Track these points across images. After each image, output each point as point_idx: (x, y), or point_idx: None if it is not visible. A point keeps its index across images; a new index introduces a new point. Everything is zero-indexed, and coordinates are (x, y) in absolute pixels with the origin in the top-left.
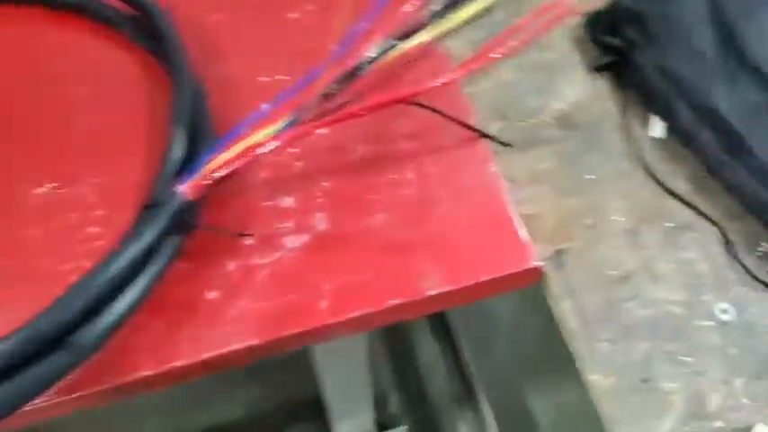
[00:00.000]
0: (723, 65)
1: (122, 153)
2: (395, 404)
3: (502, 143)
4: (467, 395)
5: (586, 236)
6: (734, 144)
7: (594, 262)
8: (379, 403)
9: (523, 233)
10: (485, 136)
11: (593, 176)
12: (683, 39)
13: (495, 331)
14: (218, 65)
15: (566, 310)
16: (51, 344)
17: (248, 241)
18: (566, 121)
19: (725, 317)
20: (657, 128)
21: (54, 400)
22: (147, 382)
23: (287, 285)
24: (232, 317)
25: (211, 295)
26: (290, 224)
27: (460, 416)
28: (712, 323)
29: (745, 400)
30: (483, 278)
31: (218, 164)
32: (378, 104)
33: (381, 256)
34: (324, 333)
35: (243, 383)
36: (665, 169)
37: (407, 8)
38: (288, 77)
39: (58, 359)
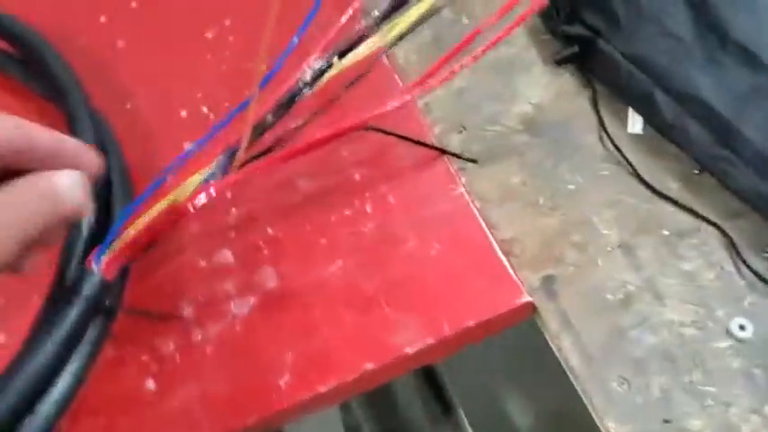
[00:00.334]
0: (702, 47)
1: None
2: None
3: (467, 159)
4: (443, 408)
5: (576, 257)
6: (724, 134)
7: (590, 286)
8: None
9: (506, 263)
10: (446, 153)
11: (573, 186)
12: (653, 22)
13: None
14: (129, 101)
15: (566, 348)
16: None
17: (186, 311)
18: (532, 126)
19: (742, 333)
20: (636, 123)
21: None
22: None
23: (238, 362)
24: (176, 409)
25: (149, 385)
26: (232, 285)
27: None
28: (730, 342)
29: None
30: (468, 324)
31: (136, 232)
32: (324, 139)
33: (345, 311)
34: (289, 415)
35: None
36: (650, 169)
37: (343, 18)
38: (211, 110)
39: None
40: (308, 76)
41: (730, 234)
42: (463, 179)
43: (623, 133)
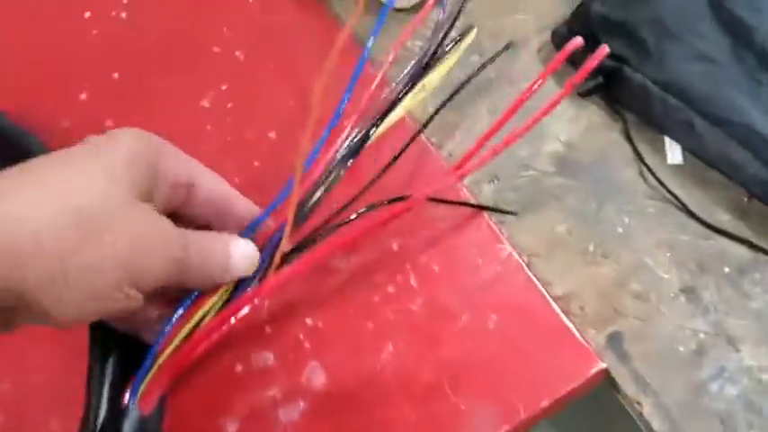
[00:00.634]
0: (740, 68)
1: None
2: None
3: (506, 212)
4: None
5: (639, 308)
6: None
7: (660, 340)
8: None
9: (572, 327)
10: (486, 209)
11: (621, 229)
12: (684, 44)
13: None
14: None
15: (647, 412)
16: None
17: (230, 429)
18: (566, 165)
19: None
20: (675, 153)
21: None
22: None
23: None
24: None
25: None
26: (277, 389)
27: None
28: None
29: None
30: (543, 404)
31: (174, 356)
32: (376, 225)
33: (405, 403)
34: None
35: None
36: (698, 201)
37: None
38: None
39: None
40: (342, 152)
41: None
42: (504, 232)
43: (663, 164)
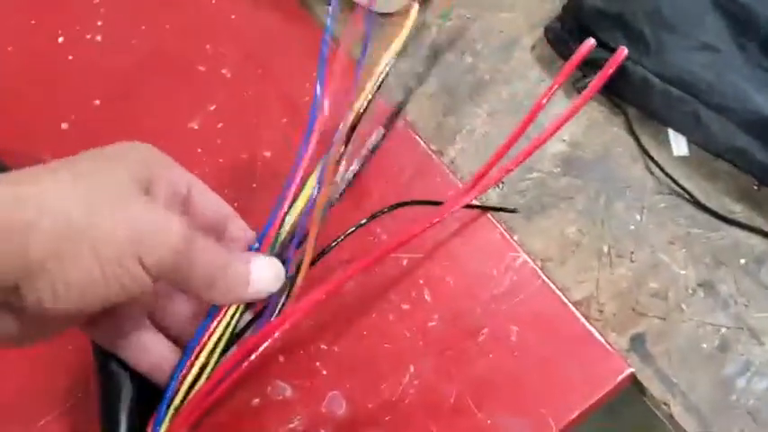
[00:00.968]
0: (743, 55)
1: None
2: None
3: (506, 210)
4: None
5: (658, 306)
6: None
7: (682, 338)
8: None
9: (595, 333)
10: (488, 209)
11: (633, 226)
12: (684, 35)
13: None
14: None
15: (677, 413)
16: None
17: None
18: (571, 165)
19: None
20: (680, 145)
21: None
22: None
23: None
24: None
25: None
26: (298, 422)
27: None
28: None
29: None
30: (573, 415)
31: (197, 396)
32: (392, 248)
33: (433, 425)
34: None
35: None
36: (707, 192)
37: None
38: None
39: None
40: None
41: None
42: (515, 237)
43: (669, 157)
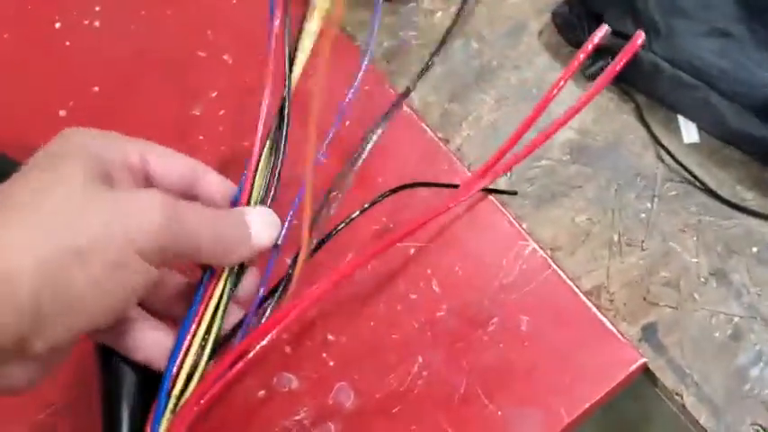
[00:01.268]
0: (755, 40)
1: None
2: None
3: (507, 193)
4: None
5: (670, 296)
6: None
7: (694, 328)
8: None
9: (607, 323)
10: (492, 192)
11: (644, 215)
12: (695, 20)
13: None
14: None
15: (690, 404)
16: None
17: None
18: (580, 153)
19: None
20: (690, 132)
21: None
22: None
23: None
24: None
25: None
26: (305, 414)
27: None
28: None
29: None
30: (585, 406)
31: (193, 396)
32: (398, 238)
33: (442, 416)
34: None
35: None
36: (718, 180)
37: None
38: None
39: None
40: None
41: None
42: (524, 226)
43: (679, 145)
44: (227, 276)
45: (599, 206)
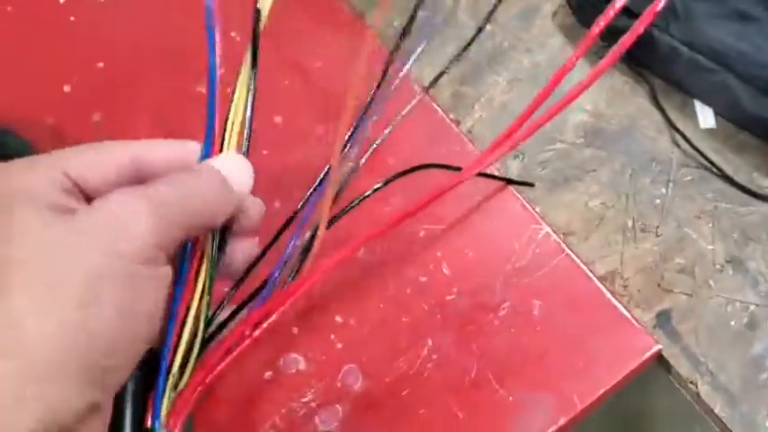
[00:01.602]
0: None
1: None
2: None
3: (524, 184)
4: None
5: (685, 283)
6: None
7: (710, 315)
8: None
9: (622, 309)
10: (511, 183)
11: (659, 200)
12: (717, 1)
13: None
14: None
15: (705, 392)
16: None
17: None
18: (594, 136)
19: None
20: (707, 117)
21: None
22: None
23: None
24: None
25: None
26: (312, 395)
27: None
28: None
29: None
30: (599, 392)
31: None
32: (410, 213)
33: (452, 401)
34: None
35: None
36: (735, 166)
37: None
38: None
39: None
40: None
41: None
42: (537, 209)
43: (695, 130)
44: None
45: (613, 191)
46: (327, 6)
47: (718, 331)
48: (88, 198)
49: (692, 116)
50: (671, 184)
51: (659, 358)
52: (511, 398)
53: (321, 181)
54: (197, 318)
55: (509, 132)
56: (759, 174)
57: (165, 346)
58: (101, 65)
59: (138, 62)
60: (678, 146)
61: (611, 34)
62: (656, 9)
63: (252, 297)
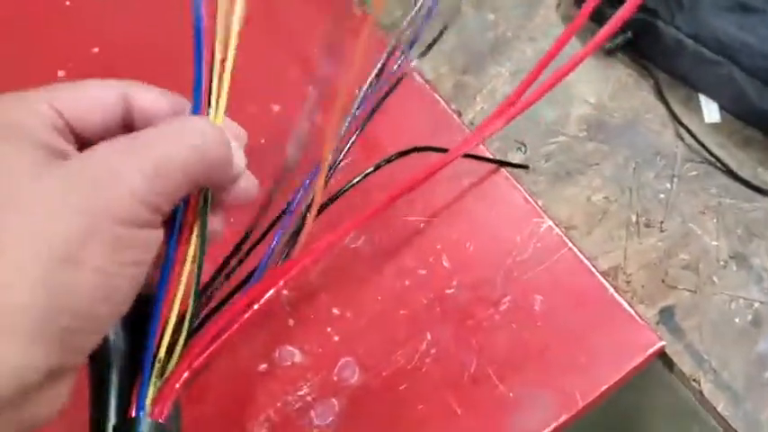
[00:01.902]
0: None
1: None
2: None
3: (518, 166)
4: None
5: (689, 279)
6: None
7: (713, 312)
8: None
9: (625, 304)
10: (500, 164)
11: (663, 195)
12: None
13: None
14: None
15: (708, 390)
16: None
17: None
18: (597, 129)
19: None
20: (711, 111)
21: None
22: None
23: None
24: None
25: None
26: (308, 389)
27: None
28: None
29: None
30: (601, 389)
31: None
32: (404, 191)
33: (451, 397)
34: None
35: None
36: (739, 161)
37: None
38: None
39: None
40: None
41: None
42: (539, 202)
43: (700, 124)
44: (201, 204)
45: (616, 185)
46: None
47: (722, 328)
48: (77, 138)
49: (697, 110)
50: (675, 179)
51: (662, 355)
52: (511, 394)
53: (317, 170)
54: (185, 298)
55: (499, 112)
56: (763, 169)
57: (152, 331)
58: (96, 50)
59: (134, 48)
60: (683, 140)
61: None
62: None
63: (243, 283)
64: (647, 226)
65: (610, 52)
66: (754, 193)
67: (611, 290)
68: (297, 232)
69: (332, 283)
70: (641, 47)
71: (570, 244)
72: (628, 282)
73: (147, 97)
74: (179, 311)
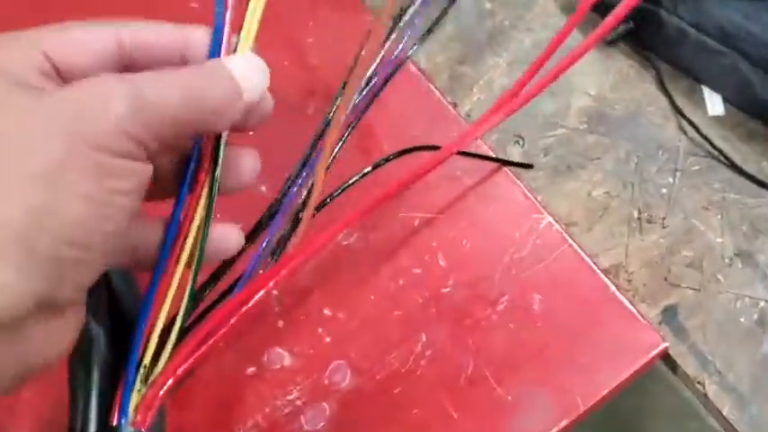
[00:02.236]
0: None
1: None
2: None
3: (522, 165)
4: None
5: (693, 277)
6: None
7: (718, 312)
8: None
9: (627, 303)
10: (502, 162)
11: (665, 190)
12: None
13: None
14: None
15: (713, 393)
16: None
17: None
18: (598, 121)
19: None
20: (715, 104)
21: None
22: None
23: None
24: None
25: None
26: (298, 393)
27: None
28: None
29: None
30: (602, 393)
31: (171, 358)
32: (402, 184)
33: (446, 399)
34: None
35: None
36: (743, 155)
37: None
38: None
39: None
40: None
41: None
42: (539, 198)
43: (703, 117)
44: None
45: (617, 179)
46: None
47: (727, 328)
48: (65, 81)
49: (700, 103)
50: (678, 174)
51: (665, 356)
52: (509, 397)
53: (306, 162)
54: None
55: (498, 105)
56: None
57: (138, 334)
58: None
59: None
60: (685, 133)
61: (606, 11)
62: None
63: (232, 287)
64: (650, 222)
65: (611, 42)
66: (758, 188)
67: (613, 288)
68: (290, 232)
69: (323, 282)
70: (643, 37)
71: (570, 241)
72: (629, 280)
73: (142, 35)
74: (167, 315)
